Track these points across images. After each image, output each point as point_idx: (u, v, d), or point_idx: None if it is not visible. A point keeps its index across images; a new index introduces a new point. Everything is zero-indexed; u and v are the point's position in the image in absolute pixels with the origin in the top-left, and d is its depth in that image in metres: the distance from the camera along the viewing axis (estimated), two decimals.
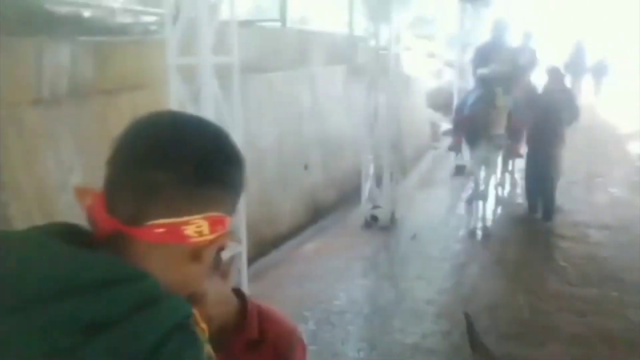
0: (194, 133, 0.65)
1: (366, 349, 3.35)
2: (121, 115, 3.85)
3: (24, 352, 0.51)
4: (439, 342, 3.39)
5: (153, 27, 4.75)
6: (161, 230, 0.60)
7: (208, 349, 0.62)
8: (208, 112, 2.94)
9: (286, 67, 5.80)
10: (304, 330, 3.59)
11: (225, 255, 0.82)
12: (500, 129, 4.80)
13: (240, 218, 3.34)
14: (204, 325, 0.63)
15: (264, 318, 1.11)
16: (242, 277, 3.34)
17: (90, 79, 3.60)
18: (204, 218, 0.62)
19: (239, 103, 3.20)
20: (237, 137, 3.20)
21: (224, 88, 3.11)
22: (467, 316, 2.53)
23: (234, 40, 3.10)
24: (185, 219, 0.61)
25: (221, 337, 1.04)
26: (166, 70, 2.98)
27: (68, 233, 0.60)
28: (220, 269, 1.05)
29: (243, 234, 3.37)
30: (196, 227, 0.62)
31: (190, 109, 3.00)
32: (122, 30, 4.44)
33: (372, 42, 5.47)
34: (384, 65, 5.43)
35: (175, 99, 3.02)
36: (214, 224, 0.63)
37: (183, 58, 2.94)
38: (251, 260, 4.27)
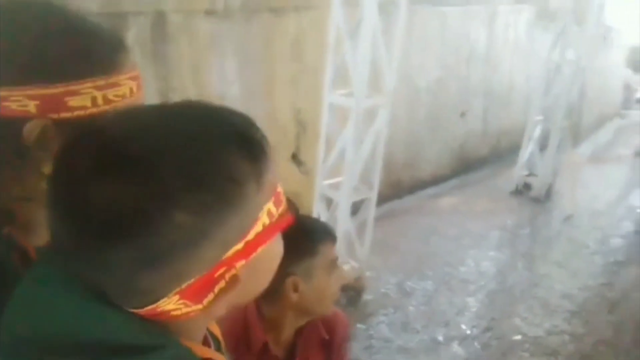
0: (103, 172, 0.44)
1: (480, 328, 3.13)
2: (286, 35, 3.84)
3: None
4: (566, 345, 3.03)
5: None
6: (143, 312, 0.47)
7: None
8: (365, 45, 2.78)
9: (465, 1, 5.23)
10: (422, 289, 3.48)
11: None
12: None
13: (376, 162, 3.20)
14: None
15: (327, 319, 1.29)
16: (368, 224, 3.26)
17: None
18: (175, 294, 0.46)
19: (400, 40, 2.94)
20: (391, 77, 2.99)
21: (390, 20, 2.87)
22: None
23: None
24: (151, 307, 0.46)
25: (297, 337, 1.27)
26: None
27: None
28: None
29: (375, 178, 3.25)
30: (173, 304, 0.47)
31: (347, 41, 2.86)
32: None
33: None
34: (582, 11, 4.60)
35: (335, 28, 2.91)
36: (193, 293, 0.46)
37: None
38: (383, 200, 4.17)
